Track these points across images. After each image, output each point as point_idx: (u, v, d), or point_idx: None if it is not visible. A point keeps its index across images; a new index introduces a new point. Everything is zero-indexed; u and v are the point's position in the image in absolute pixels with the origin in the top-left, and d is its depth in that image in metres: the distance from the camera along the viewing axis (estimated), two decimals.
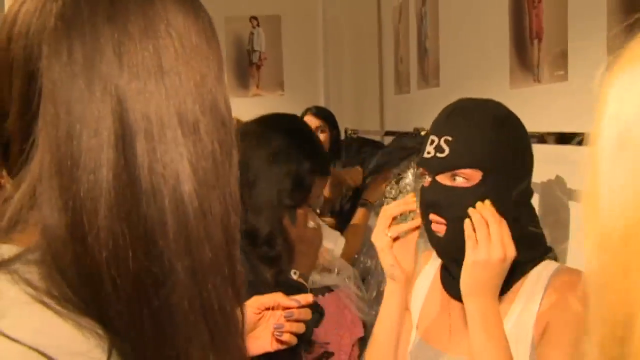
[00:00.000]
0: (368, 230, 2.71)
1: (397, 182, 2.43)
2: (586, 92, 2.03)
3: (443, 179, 1.25)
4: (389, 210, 1.30)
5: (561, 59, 2.04)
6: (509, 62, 2.42)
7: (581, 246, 1.78)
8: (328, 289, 2.45)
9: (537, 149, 2.17)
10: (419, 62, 3.68)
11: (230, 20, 5.18)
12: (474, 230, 1.17)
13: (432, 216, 1.26)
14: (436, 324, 1.37)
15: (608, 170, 0.49)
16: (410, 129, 3.12)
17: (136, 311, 0.58)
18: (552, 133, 1.96)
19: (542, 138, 2.03)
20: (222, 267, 0.64)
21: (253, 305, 1.31)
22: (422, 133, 2.65)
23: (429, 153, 1.27)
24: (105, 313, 0.58)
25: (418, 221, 1.30)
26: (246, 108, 4.82)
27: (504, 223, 1.17)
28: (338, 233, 2.66)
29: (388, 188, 2.40)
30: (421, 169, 1.31)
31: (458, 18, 3.08)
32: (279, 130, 1.70)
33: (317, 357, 2.24)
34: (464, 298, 1.19)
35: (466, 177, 1.23)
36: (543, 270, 1.29)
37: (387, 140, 4.09)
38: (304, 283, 1.64)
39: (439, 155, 1.24)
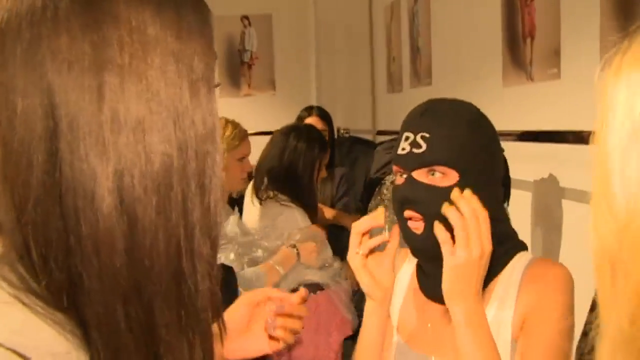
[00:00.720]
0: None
1: (393, 183, 2.42)
2: (579, 91, 2.05)
3: (419, 175, 1.22)
4: (357, 227, 1.24)
5: (554, 57, 2.04)
6: (501, 61, 2.42)
7: (574, 243, 1.79)
8: (319, 287, 2.45)
9: (530, 147, 2.17)
10: (411, 61, 3.67)
11: (222, 19, 5.16)
12: (450, 231, 1.15)
13: (408, 212, 1.23)
14: (417, 327, 1.35)
15: (620, 164, 0.51)
16: None
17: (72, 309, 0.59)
18: (545, 131, 1.96)
19: (535, 136, 2.03)
20: (162, 281, 0.62)
21: (244, 302, 1.28)
22: None
23: (403, 149, 1.24)
24: (78, 310, 0.59)
25: (387, 236, 1.26)
26: (238, 108, 4.80)
27: (483, 215, 1.16)
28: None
29: (384, 190, 2.39)
30: (395, 167, 1.28)
31: (450, 16, 3.07)
32: None
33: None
34: (447, 303, 1.17)
35: (443, 173, 1.21)
36: (516, 263, 1.28)
37: (379, 139, 4.08)
38: None
39: (415, 150, 1.22)
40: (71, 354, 0.57)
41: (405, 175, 1.25)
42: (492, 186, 1.29)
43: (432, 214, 1.19)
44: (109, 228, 0.59)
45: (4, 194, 0.60)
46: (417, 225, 1.23)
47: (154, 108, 0.62)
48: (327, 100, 4.96)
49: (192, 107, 0.65)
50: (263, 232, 2.38)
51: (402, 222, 1.25)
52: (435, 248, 1.19)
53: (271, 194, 2.54)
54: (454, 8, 3.02)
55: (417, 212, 1.22)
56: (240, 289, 1.96)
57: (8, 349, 0.53)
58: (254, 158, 2.62)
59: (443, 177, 1.21)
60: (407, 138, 1.25)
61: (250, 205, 2.63)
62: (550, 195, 2.14)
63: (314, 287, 2.38)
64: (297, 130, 2.74)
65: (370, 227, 1.26)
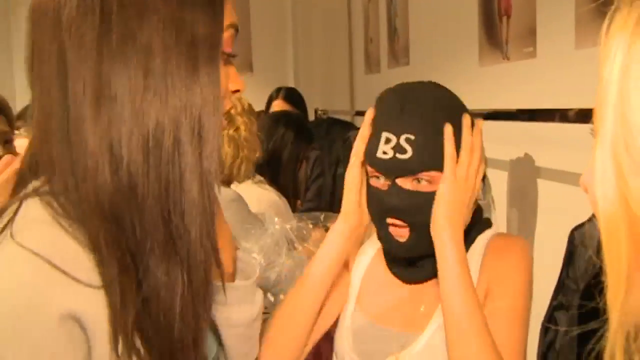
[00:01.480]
0: None
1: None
2: (555, 69, 2.05)
3: (404, 182, 1.15)
4: (364, 130, 1.18)
5: (530, 36, 2.04)
6: (477, 40, 2.42)
7: (549, 222, 1.80)
8: None
9: (506, 126, 2.18)
10: (388, 41, 3.66)
11: None
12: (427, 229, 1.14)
13: (391, 220, 1.17)
14: (380, 302, 1.31)
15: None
16: None
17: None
18: (521, 110, 1.97)
19: (511, 115, 2.03)
20: (150, 213, 0.74)
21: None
22: None
23: (385, 153, 1.15)
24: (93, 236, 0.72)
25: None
26: None
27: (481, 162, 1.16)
28: None
29: None
30: (371, 169, 1.18)
31: None
32: None
33: None
34: (435, 228, 1.14)
35: (430, 180, 1.15)
36: (481, 240, 1.25)
37: (358, 120, 4.08)
38: None
39: (399, 156, 1.13)
40: (88, 265, 0.70)
41: (387, 182, 1.17)
42: (474, 182, 1.24)
43: (419, 222, 1.15)
44: (99, 168, 0.72)
45: (45, 144, 0.75)
46: (401, 233, 1.18)
47: (151, 74, 0.72)
48: (304, 81, 4.94)
49: (190, 73, 0.73)
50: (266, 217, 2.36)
51: (383, 228, 1.20)
52: (421, 254, 1.19)
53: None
54: None
55: (404, 220, 1.16)
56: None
57: (37, 254, 0.67)
58: None
59: (429, 182, 1.15)
60: (388, 140, 1.15)
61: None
62: (525, 175, 2.15)
63: None
64: (288, 118, 2.74)
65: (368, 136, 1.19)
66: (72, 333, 0.68)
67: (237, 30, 0.82)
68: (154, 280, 0.73)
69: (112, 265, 0.71)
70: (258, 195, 2.44)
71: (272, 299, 2.01)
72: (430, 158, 1.13)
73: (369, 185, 1.22)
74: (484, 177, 1.96)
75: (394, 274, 1.29)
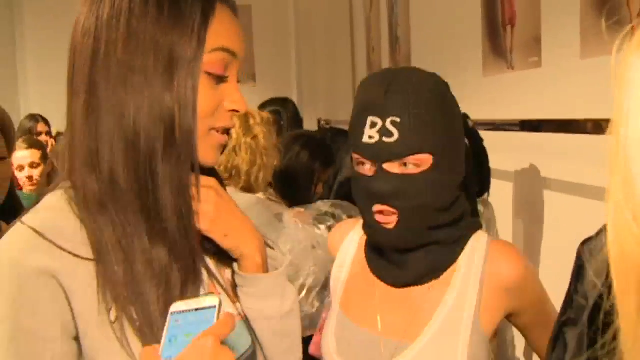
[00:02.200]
0: None
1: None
2: (561, 79, 2.01)
3: (391, 166, 1.12)
4: None
5: (535, 45, 2.01)
6: (481, 50, 2.39)
7: (555, 234, 1.76)
8: None
9: (511, 137, 2.15)
10: (390, 51, 3.64)
11: None
12: (428, 219, 1.16)
13: (379, 207, 1.14)
14: (364, 304, 1.27)
15: None
16: None
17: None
18: (526, 120, 1.94)
19: (516, 126, 2.00)
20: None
21: None
22: None
23: (371, 137, 1.12)
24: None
25: None
26: None
27: None
28: None
29: None
30: (357, 156, 1.15)
31: (429, 5, 3.04)
32: None
33: None
34: None
35: (417, 164, 1.12)
36: (476, 242, 1.23)
37: None
38: None
39: (386, 140, 1.10)
40: (80, 241, 0.82)
41: (373, 167, 1.14)
42: (459, 167, 1.21)
43: (408, 207, 1.13)
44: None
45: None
46: (389, 220, 1.15)
47: (132, 91, 0.83)
48: (307, 92, 4.93)
49: (165, 87, 0.83)
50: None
51: (369, 217, 1.17)
52: (411, 240, 1.16)
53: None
54: None
55: (392, 206, 1.13)
56: None
57: (34, 230, 0.80)
58: None
59: (417, 165, 1.12)
60: (373, 124, 1.12)
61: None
62: (531, 186, 2.12)
63: None
64: (305, 139, 2.72)
65: None
66: (48, 285, 0.79)
67: (231, 53, 0.88)
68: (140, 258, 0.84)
69: (106, 245, 0.82)
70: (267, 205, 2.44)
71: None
72: (417, 141, 1.11)
73: (353, 175, 1.19)
74: (487, 204, 1.94)
75: (379, 277, 1.25)
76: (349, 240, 1.35)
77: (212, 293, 0.88)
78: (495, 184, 2.15)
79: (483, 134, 2.08)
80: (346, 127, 3.87)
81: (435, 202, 1.15)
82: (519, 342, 2.13)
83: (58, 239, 0.80)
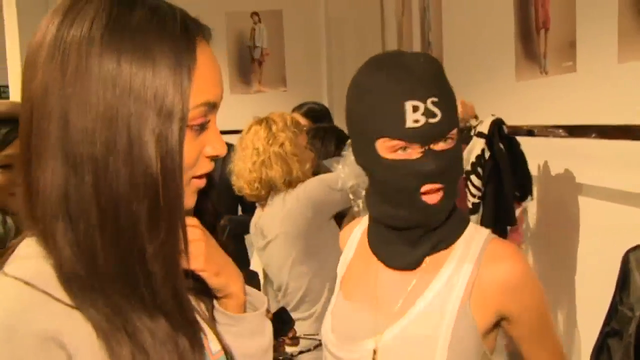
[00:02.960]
0: None
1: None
2: (596, 84, 1.98)
3: (435, 145, 1.15)
4: None
5: (569, 50, 1.98)
6: (514, 54, 2.37)
7: (590, 240, 1.73)
8: None
9: (545, 142, 2.12)
10: None
11: (232, 15, 5.13)
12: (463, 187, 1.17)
13: (427, 187, 1.15)
14: (362, 285, 1.31)
15: None
16: None
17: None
18: (559, 126, 1.91)
19: (550, 131, 1.97)
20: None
21: None
22: None
23: (417, 121, 1.12)
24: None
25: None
26: (249, 104, 4.76)
27: None
28: None
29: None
30: (402, 142, 1.14)
31: (461, 9, 3.02)
32: None
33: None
34: None
35: (453, 137, 1.17)
36: (475, 231, 1.25)
37: None
38: None
39: (431, 120, 1.12)
40: (62, 290, 0.74)
41: (420, 149, 1.15)
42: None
43: (451, 179, 1.19)
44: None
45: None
46: (436, 198, 1.17)
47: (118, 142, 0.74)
48: (338, 96, 4.92)
49: (153, 146, 0.75)
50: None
51: (415, 199, 1.17)
52: (445, 215, 1.21)
53: None
54: (466, 1, 2.97)
55: (439, 182, 1.16)
56: None
57: (17, 278, 0.72)
58: None
59: (452, 139, 1.18)
60: (415, 108, 1.13)
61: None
62: (566, 192, 2.08)
63: None
64: (315, 130, 2.83)
65: None
66: (51, 354, 0.70)
67: (212, 105, 0.81)
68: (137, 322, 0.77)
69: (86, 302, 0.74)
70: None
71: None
72: (453, 116, 1.18)
73: (387, 162, 1.18)
74: None
75: (383, 262, 1.27)
76: (355, 233, 1.41)
77: None
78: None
79: (517, 139, 2.06)
80: None
81: (461, 173, 1.25)
82: None
83: (49, 287, 0.73)
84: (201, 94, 0.79)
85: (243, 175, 2.37)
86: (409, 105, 1.13)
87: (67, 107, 0.73)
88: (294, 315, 2.21)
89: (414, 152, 1.15)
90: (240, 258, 2.20)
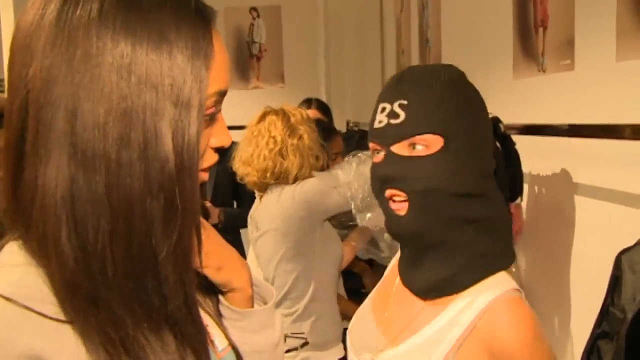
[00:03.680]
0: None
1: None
2: (594, 83, 1.97)
3: (400, 149, 1.11)
4: None
5: (567, 48, 1.97)
6: (512, 52, 2.35)
7: (585, 240, 1.71)
8: None
9: (542, 141, 2.11)
10: (420, 53, 3.61)
11: (230, 11, 5.11)
12: (435, 210, 1.12)
13: (390, 192, 1.11)
14: (383, 295, 1.31)
15: None
16: None
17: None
18: (557, 125, 1.90)
19: (547, 130, 1.96)
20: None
21: None
22: None
23: (380, 122, 1.11)
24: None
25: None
26: (246, 100, 4.75)
27: None
28: None
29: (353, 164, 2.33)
30: (371, 144, 1.14)
31: (460, 7, 3.01)
32: None
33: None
34: None
35: (426, 144, 1.09)
36: (496, 283, 1.13)
37: None
38: None
39: (393, 121, 1.10)
40: (54, 301, 0.68)
41: (383, 152, 1.13)
42: (481, 153, 1.16)
43: (417, 190, 1.09)
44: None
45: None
46: (400, 207, 1.12)
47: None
48: (336, 93, 4.91)
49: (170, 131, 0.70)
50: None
51: (384, 204, 1.15)
52: (419, 230, 1.12)
53: None
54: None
55: (401, 189, 1.11)
56: None
57: (4, 296, 0.66)
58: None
59: (425, 146, 1.10)
60: (383, 109, 1.13)
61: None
62: (562, 191, 2.07)
63: None
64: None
65: None
66: None
67: (224, 94, 0.77)
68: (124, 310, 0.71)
69: (77, 310, 0.68)
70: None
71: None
72: (423, 120, 1.09)
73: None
74: None
75: (399, 273, 1.26)
76: None
77: None
78: (525, 188, 2.11)
79: (514, 137, 2.05)
80: None
81: (448, 187, 1.10)
82: None
83: (33, 301, 0.66)
84: (215, 82, 0.74)
85: (252, 162, 2.32)
86: (380, 106, 1.14)
87: (75, 98, 0.66)
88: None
89: (380, 156, 1.14)
90: None
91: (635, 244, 1.40)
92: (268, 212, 2.35)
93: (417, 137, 1.09)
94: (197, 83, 0.71)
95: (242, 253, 3.40)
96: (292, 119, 2.34)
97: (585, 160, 1.94)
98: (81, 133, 0.67)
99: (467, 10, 2.91)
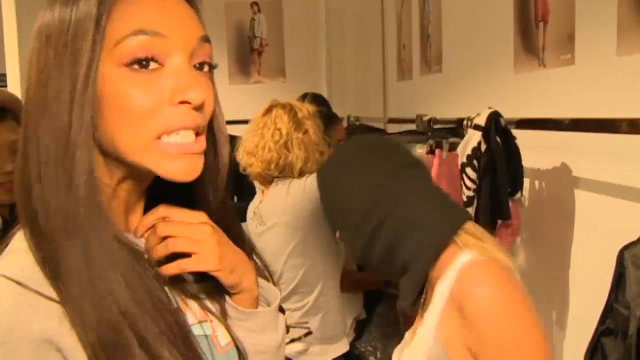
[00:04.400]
0: None
1: None
2: (594, 77, 1.97)
3: None
4: None
5: (568, 43, 1.97)
6: (513, 47, 2.35)
7: (586, 233, 1.71)
8: None
9: (542, 135, 2.11)
10: (421, 48, 3.61)
11: (231, 5, 5.10)
12: None
13: None
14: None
15: None
16: (412, 115, 3.06)
17: None
18: (557, 119, 1.90)
19: (547, 124, 1.96)
20: None
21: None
22: (424, 119, 2.58)
23: None
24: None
25: None
26: (247, 95, 4.74)
27: None
28: None
29: None
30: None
31: (461, 2, 3.00)
32: None
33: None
34: None
35: None
36: (456, 258, 1.16)
37: (390, 127, 4.03)
38: None
39: None
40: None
41: None
42: None
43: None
44: None
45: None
46: None
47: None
48: (337, 88, 4.90)
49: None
50: None
51: None
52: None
53: None
54: None
55: None
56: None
57: (4, 276, 0.68)
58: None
59: None
60: None
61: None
62: (562, 185, 2.07)
63: None
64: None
65: None
66: (47, 357, 0.66)
67: (154, 34, 0.71)
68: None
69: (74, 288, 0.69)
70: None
71: None
72: None
73: None
74: None
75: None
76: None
77: None
78: (525, 182, 2.11)
79: (515, 132, 2.05)
80: (376, 124, 3.91)
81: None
82: None
83: (43, 286, 0.68)
84: (130, 21, 0.70)
85: (257, 153, 2.32)
86: None
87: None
88: (284, 305, 2.21)
89: None
90: None
91: (638, 239, 1.39)
92: (276, 206, 2.34)
93: None
94: (88, 24, 0.69)
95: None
96: (299, 114, 2.33)
97: (586, 154, 1.94)
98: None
99: (468, 5, 2.91)
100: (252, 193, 2.79)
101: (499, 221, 2.05)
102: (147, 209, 0.84)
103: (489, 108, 2.04)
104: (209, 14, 0.81)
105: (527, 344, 1.05)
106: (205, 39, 0.76)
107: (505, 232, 2.11)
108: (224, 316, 0.87)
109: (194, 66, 0.75)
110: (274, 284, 0.97)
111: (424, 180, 1.27)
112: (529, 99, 2.28)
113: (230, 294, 0.87)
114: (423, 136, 2.63)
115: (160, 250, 0.79)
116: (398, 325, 1.42)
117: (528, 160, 2.11)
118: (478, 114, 2.05)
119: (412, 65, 3.80)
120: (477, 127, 2.02)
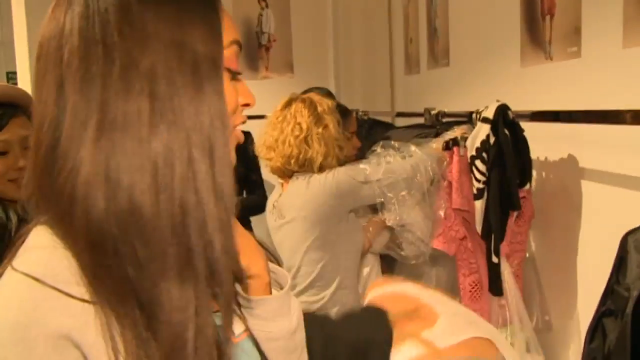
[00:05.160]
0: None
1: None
2: (600, 69, 2.00)
3: None
4: None
5: (574, 35, 1.99)
6: (519, 40, 2.38)
7: (592, 224, 1.75)
8: None
9: (549, 127, 2.14)
10: (428, 42, 3.63)
11: (239, 1, 5.13)
12: None
13: None
14: None
15: None
16: (420, 109, 3.09)
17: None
18: (564, 111, 1.92)
19: (554, 116, 1.99)
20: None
21: None
22: (433, 113, 2.60)
23: None
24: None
25: None
26: (256, 90, 4.77)
27: None
28: None
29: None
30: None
31: None
32: None
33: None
34: None
35: None
36: None
37: (398, 121, 4.05)
38: None
39: None
40: (82, 282, 0.69)
41: None
42: None
43: None
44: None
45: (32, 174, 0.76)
46: None
47: (156, 99, 0.71)
48: (345, 83, 4.93)
49: (195, 93, 0.73)
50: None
51: None
52: None
53: None
54: None
55: None
56: None
57: (28, 275, 0.68)
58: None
59: None
60: None
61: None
62: (569, 175, 2.10)
63: None
64: None
65: None
66: (65, 354, 0.67)
67: (240, 46, 0.82)
68: (167, 303, 0.71)
69: (105, 289, 0.70)
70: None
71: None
72: None
73: None
74: None
75: None
76: None
77: None
78: (533, 174, 2.14)
79: (522, 124, 2.08)
80: (384, 118, 3.94)
81: None
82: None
83: (61, 284, 0.68)
84: (229, 30, 0.79)
85: (277, 148, 2.34)
86: None
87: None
88: (301, 298, 2.22)
89: None
90: None
91: None
92: (296, 200, 2.36)
93: None
94: (214, 32, 0.76)
95: None
96: (319, 109, 2.34)
97: (593, 146, 1.97)
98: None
99: None
100: (260, 187, 2.81)
101: (511, 212, 2.08)
102: None
103: (497, 101, 2.07)
104: None
105: None
106: None
107: (518, 222, 2.14)
108: (238, 306, 0.86)
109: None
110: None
111: None
112: (536, 91, 2.31)
113: (240, 281, 0.86)
114: (432, 129, 2.66)
115: None
116: None
117: (535, 151, 2.14)
118: (486, 107, 2.08)
119: (420, 59, 3.83)
120: (485, 120, 2.05)
